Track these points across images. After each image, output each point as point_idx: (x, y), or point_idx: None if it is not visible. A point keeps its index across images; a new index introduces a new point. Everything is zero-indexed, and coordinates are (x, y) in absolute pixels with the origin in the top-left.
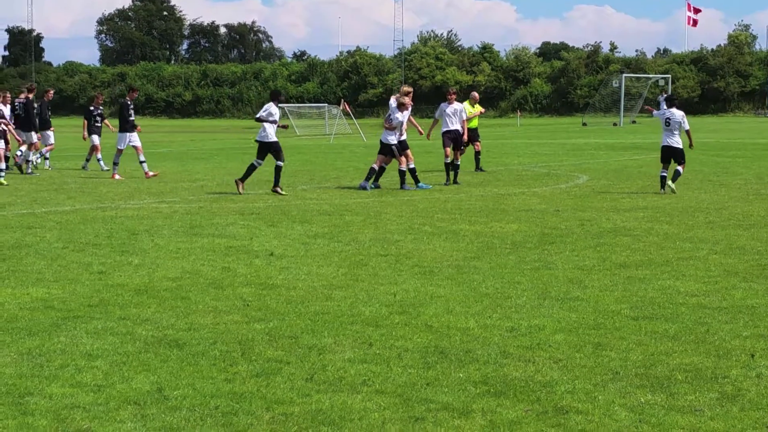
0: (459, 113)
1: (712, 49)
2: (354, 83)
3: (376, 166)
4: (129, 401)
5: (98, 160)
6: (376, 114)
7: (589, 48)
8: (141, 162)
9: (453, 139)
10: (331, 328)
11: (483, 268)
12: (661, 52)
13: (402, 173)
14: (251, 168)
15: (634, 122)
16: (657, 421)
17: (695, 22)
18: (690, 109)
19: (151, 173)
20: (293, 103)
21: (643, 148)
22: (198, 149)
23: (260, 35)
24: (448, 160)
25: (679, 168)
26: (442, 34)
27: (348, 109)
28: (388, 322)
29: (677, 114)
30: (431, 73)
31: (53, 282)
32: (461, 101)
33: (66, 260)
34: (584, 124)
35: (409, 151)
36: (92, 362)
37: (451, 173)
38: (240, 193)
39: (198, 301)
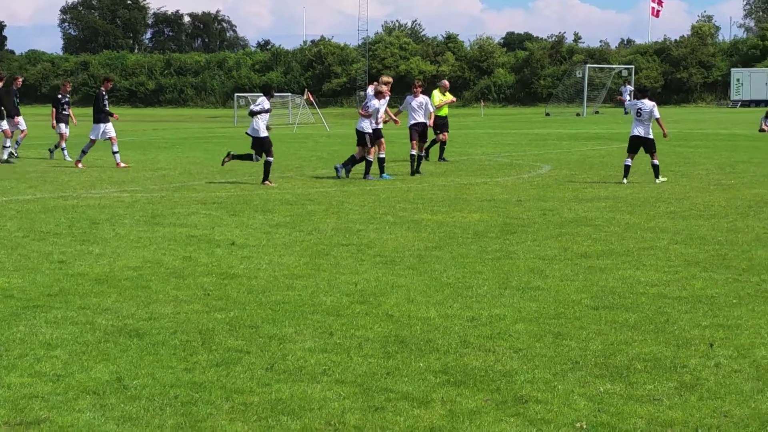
0: (425, 106)
1: (676, 40)
2: (318, 73)
3: (357, 156)
4: (88, 391)
5: (62, 149)
6: (339, 103)
7: (553, 38)
8: (114, 152)
9: (419, 132)
10: (291, 318)
11: (444, 257)
12: (625, 42)
13: (368, 163)
14: (246, 156)
15: (596, 112)
16: (616, 411)
17: (659, 13)
18: (653, 100)
19: (122, 164)
20: (257, 92)
21: (605, 138)
22: (161, 138)
23: (224, 24)
24: (414, 152)
25: (655, 161)
26: (406, 23)
27: (312, 98)
28: (349, 311)
29: (648, 104)
30: (395, 62)
31: (13, 271)
32: (426, 92)
33: (26, 249)
34: (547, 114)
35: (382, 140)
36: (51, 352)
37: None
38: (272, 185)
39: (159, 290)
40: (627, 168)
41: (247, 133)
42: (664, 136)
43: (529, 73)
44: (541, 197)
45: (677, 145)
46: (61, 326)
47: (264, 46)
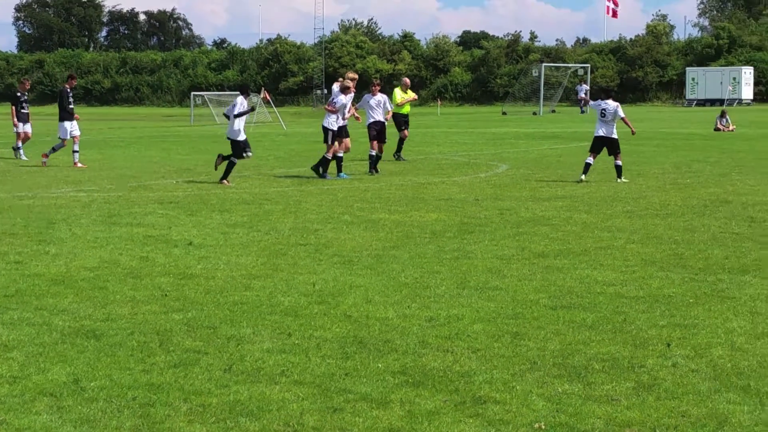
0: (383, 104)
1: (631, 39)
2: (274, 71)
3: (340, 154)
4: (45, 393)
5: (18, 148)
6: (296, 102)
7: (509, 37)
8: (74, 151)
9: (378, 131)
10: (249, 318)
11: (402, 257)
12: (581, 41)
13: (326, 161)
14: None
15: (553, 111)
16: (574, 411)
17: (614, 12)
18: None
19: (80, 164)
20: (213, 91)
21: (562, 138)
22: (117, 137)
23: (180, 22)
24: (373, 152)
25: (618, 162)
26: (362, 22)
27: (268, 97)
28: (307, 312)
29: (611, 104)
30: (352, 61)
31: None
32: (383, 91)
33: None
34: (504, 114)
35: (347, 140)
36: (7, 353)
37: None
38: (230, 185)
39: (116, 291)
40: (587, 165)
41: (228, 137)
42: (633, 133)
43: (486, 72)
44: (498, 196)
45: (634, 144)
46: (17, 327)
47: (220, 44)
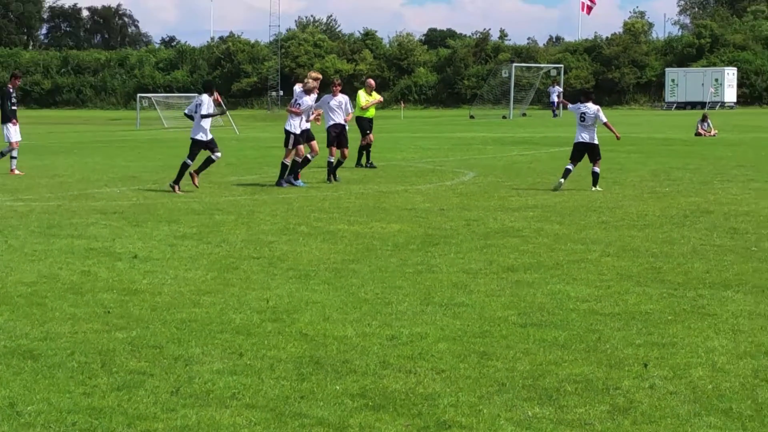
0: (344, 106)
1: (607, 38)
2: (227, 72)
3: (299, 159)
4: None
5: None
6: (250, 105)
7: (477, 35)
8: (12, 157)
9: (338, 135)
10: (198, 337)
11: (362, 271)
12: (554, 40)
13: (284, 168)
14: (207, 162)
15: (524, 115)
16: None
17: (589, 9)
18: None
19: (17, 172)
20: (161, 92)
21: (533, 143)
22: (57, 143)
23: (126, 19)
24: (332, 159)
25: (596, 168)
26: (321, 19)
27: (220, 99)
28: (260, 330)
29: (592, 108)
30: (309, 61)
31: None
32: (344, 92)
33: None
34: (472, 117)
35: (314, 143)
36: None
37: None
38: (179, 192)
39: (55, 308)
40: (567, 171)
41: (191, 137)
42: (617, 138)
43: (452, 73)
44: (464, 206)
45: (609, 150)
46: None
47: (168, 42)
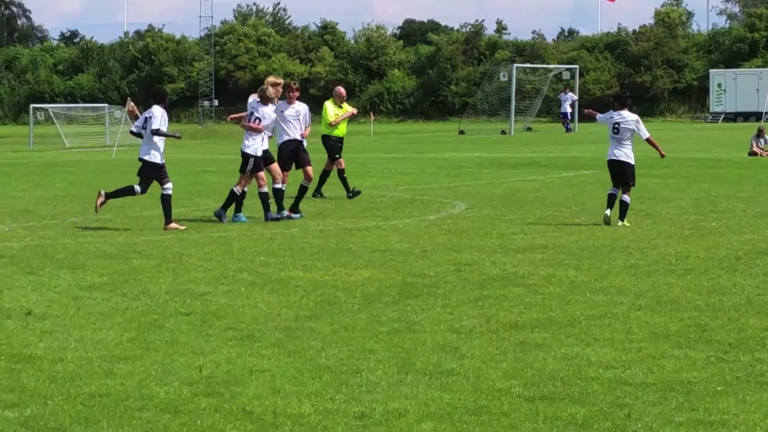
0: (303, 117)
1: (635, 31)
2: (145, 75)
3: (278, 185)
4: None
5: None
6: (176, 117)
7: (468, 28)
8: None
9: (293, 154)
10: (111, 417)
11: (322, 331)
12: (566, 34)
13: (233, 197)
14: (128, 191)
15: (529, 129)
16: None
17: None
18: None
19: None
20: (60, 102)
21: (540, 165)
22: None
23: (14, 9)
24: (280, 185)
25: (625, 197)
26: (266, 8)
27: (136, 111)
28: (191, 407)
29: (629, 118)
30: (252, 61)
31: None
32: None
33: None
34: (462, 132)
35: (274, 166)
36: None
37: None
38: (182, 228)
39: None
40: (611, 198)
41: (139, 158)
42: (662, 156)
43: (436, 76)
44: (453, 247)
45: (639, 173)
46: None
47: (70, 39)
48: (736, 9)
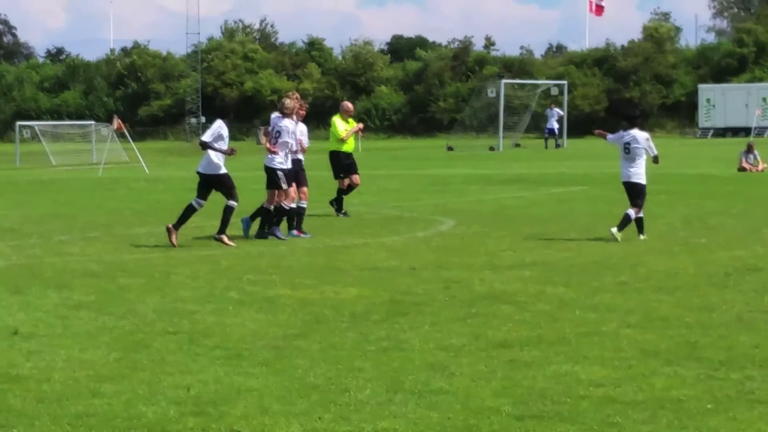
0: (303, 137)
1: (623, 46)
2: (132, 93)
3: (266, 204)
4: None
5: None
6: (162, 135)
7: (456, 44)
8: None
9: (297, 172)
10: None
11: (310, 349)
12: (554, 49)
13: (282, 212)
14: (189, 210)
15: (517, 146)
16: None
17: (600, 9)
18: (592, 129)
19: None
20: (46, 119)
21: (529, 182)
22: None
23: (0, 26)
24: (294, 204)
25: (630, 212)
26: (253, 24)
27: (123, 128)
28: (179, 426)
29: (641, 137)
30: (239, 78)
31: None
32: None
33: None
34: (450, 149)
35: (305, 188)
36: None
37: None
38: (174, 245)
39: None
40: (639, 219)
41: (197, 171)
42: (655, 161)
43: (424, 92)
44: (442, 264)
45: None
46: None
47: (56, 56)
48: (725, 25)
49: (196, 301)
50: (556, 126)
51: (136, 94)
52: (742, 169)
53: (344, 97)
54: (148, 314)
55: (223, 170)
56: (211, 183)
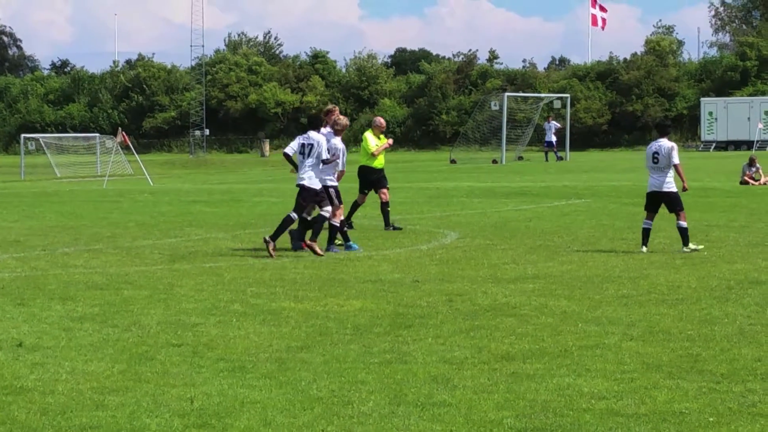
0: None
1: (626, 60)
2: (136, 105)
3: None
4: None
5: None
6: (167, 147)
7: (460, 58)
8: None
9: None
10: None
11: (314, 362)
12: (557, 62)
13: (334, 230)
14: (320, 221)
15: (520, 158)
16: None
17: (603, 23)
18: (597, 142)
19: None
20: (51, 132)
21: (532, 194)
22: None
23: (5, 39)
24: (336, 221)
25: (681, 223)
26: (257, 37)
27: (127, 141)
28: None
29: (666, 146)
30: (243, 90)
31: None
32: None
33: None
34: (453, 162)
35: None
36: None
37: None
38: (272, 256)
39: None
40: (646, 232)
41: (297, 184)
42: (684, 189)
43: (427, 105)
44: (445, 277)
45: (630, 202)
46: None
47: (61, 68)
48: (727, 39)
49: (200, 314)
50: (554, 139)
51: (141, 107)
52: (744, 183)
53: (348, 110)
54: (152, 326)
55: (328, 183)
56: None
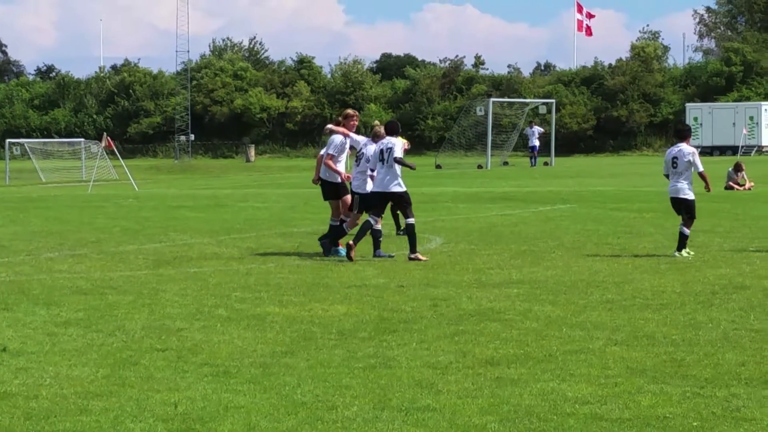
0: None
1: (611, 65)
2: (122, 110)
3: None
4: None
5: None
6: (152, 152)
7: (445, 63)
8: None
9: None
10: None
11: (298, 366)
12: (542, 68)
13: (378, 233)
14: (365, 227)
15: (505, 164)
16: None
17: (588, 29)
18: (582, 147)
19: None
20: (36, 137)
21: (517, 200)
22: None
23: None
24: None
25: (685, 229)
26: (242, 42)
27: (112, 146)
28: None
29: (687, 151)
30: (228, 96)
31: None
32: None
33: None
34: (438, 167)
35: (348, 198)
36: None
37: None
38: (352, 260)
39: None
40: (684, 237)
41: (373, 191)
42: (708, 190)
43: (413, 111)
44: (430, 282)
45: (615, 208)
46: None
47: (46, 73)
48: (712, 44)
49: (185, 319)
50: (537, 143)
51: (126, 112)
52: (729, 188)
53: (333, 115)
54: (136, 331)
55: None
56: (388, 199)
